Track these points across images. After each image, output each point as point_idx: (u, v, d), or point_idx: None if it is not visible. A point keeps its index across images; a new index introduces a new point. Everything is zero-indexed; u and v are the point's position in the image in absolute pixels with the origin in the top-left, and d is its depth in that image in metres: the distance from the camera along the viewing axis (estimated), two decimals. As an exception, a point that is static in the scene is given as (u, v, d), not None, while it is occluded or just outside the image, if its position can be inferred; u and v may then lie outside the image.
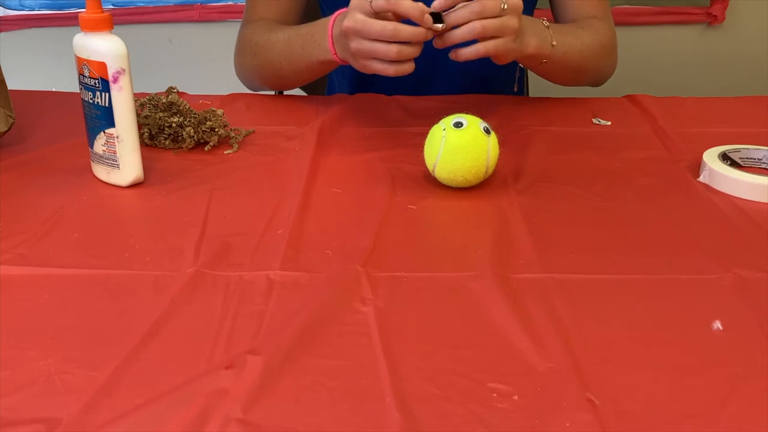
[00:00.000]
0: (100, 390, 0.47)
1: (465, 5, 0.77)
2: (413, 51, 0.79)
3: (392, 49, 0.78)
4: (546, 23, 0.92)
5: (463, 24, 0.78)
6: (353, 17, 0.79)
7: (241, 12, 1.09)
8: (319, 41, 0.89)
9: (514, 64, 1.17)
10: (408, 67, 0.79)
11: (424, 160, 0.76)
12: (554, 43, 0.91)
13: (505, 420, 0.45)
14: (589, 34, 0.99)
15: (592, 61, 1.01)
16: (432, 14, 0.78)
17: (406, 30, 0.77)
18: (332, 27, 0.87)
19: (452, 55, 0.80)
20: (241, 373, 0.48)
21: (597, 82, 1.07)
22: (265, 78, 1.04)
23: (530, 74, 1.24)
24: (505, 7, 0.77)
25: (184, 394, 0.47)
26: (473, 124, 0.73)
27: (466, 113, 0.75)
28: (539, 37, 0.89)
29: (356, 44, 0.80)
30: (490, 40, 0.79)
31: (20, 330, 0.54)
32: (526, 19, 0.87)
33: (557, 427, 0.44)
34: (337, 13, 0.87)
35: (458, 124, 0.73)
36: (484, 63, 1.11)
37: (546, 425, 0.44)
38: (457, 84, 1.13)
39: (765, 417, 0.45)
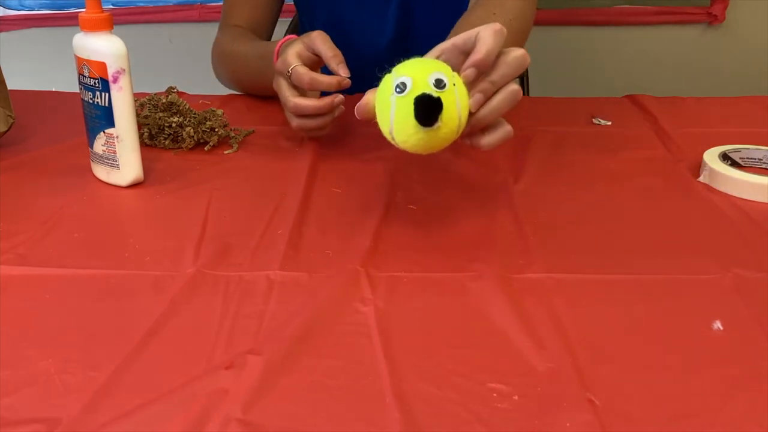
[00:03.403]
0: (100, 390, 0.47)
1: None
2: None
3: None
4: None
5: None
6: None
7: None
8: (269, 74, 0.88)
9: None
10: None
11: (424, 160, 0.76)
12: None
13: (505, 420, 0.45)
14: (502, 16, 0.84)
15: (514, 43, 0.76)
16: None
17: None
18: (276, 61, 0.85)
19: (476, 144, 0.65)
20: (241, 373, 0.48)
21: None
22: (237, 86, 1.07)
23: (531, 74, 1.24)
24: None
25: (185, 394, 0.47)
26: (418, 84, 0.58)
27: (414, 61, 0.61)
28: None
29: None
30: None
31: (20, 330, 0.54)
32: None
33: (557, 427, 0.44)
34: (279, 44, 0.87)
35: (401, 86, 0.58)
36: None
37: (546, 425, 0.44)
38: None
39: (765, 417, 0.45)
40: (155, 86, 0.97)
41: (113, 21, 0.73)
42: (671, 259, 0.63)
